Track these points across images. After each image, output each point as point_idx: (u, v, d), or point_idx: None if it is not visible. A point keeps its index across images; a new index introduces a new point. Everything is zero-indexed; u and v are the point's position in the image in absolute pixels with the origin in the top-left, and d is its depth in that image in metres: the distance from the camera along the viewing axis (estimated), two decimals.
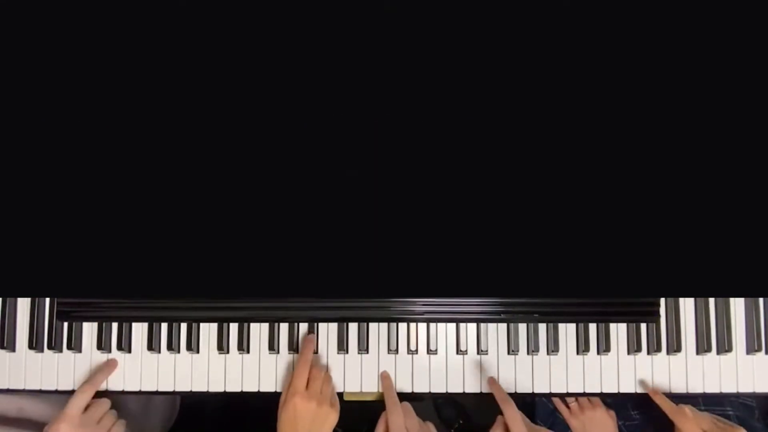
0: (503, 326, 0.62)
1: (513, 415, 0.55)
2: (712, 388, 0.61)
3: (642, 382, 0.61)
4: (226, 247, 0.44)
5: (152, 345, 0.63)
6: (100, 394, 0.61)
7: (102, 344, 0.63)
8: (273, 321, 0.62)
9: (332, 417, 0.57)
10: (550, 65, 0.43)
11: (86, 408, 0.57)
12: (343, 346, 0.62)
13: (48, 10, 0.42)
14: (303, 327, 0.63)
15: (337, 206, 0.44)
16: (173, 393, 0.63)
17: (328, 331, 0.63)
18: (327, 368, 0.62)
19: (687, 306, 0.62)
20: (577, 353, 0.62)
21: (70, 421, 0.55)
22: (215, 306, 0.62)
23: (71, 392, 0.62)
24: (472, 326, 0.62)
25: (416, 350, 0.62)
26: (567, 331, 0.62)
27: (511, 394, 0.61)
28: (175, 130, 0.44)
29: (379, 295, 0.45)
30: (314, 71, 0.43)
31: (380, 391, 0.61)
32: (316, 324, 0.63)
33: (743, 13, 0.42)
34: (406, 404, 0.58)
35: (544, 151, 0.43)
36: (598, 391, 0.62)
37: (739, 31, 0.42)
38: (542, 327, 0.62)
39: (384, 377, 0.62)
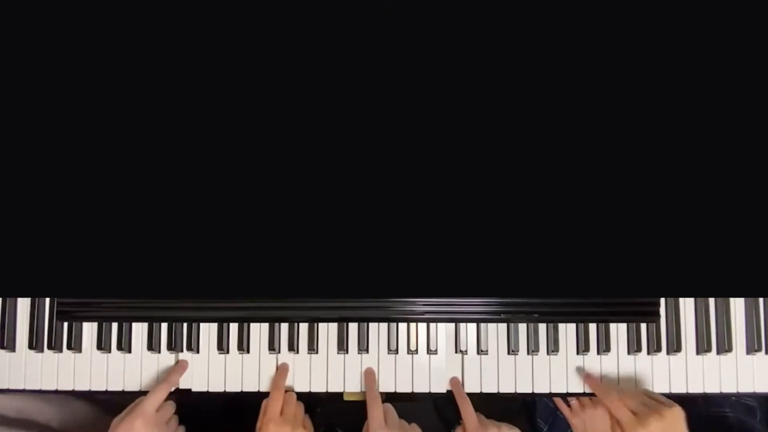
0: (503, 326, 0.62)
1: (468, 413, 0.57)
2: (712, 389, 0.61)
3: (579, 369, 0.62)
4: (225, 247, 0.44)
5: (152, 345, 0.63)
6: (92, 395, 0.61)
7: (102, 344, 0.63)
8: (273, 321, 0.62)
9: None
10: (550, 65, 0.43)
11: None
12: (343, 346, 0.62)
13: (48, 10, 0.42)
14: (303, 327, 0.63)
15: (337, 206, 0.44)
16: (173, 393, 0.63)
17: (328, 331, 0.63)
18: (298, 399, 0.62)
19: (687, 306, 0.62)
20: (577, 353, 0.62)
21: (147, 418, 0.55)
22: (215, 306, 0.61)
23: (71, 392, 0.63)
24: (472, 326, 0.62)
25: (416, 350, 0.62)
26: (567, 331, 0.62)
27: (511, 394, 0.62)
28: (175, 130, 0.44)
29: (379, 295, 0.45)
30: (315, 71, 0.43)
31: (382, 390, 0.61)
32: (316, 324, 0.62)
33: (743, 13, 0.42)
34: (388, 405, 0.59)
35: (544, 151, 0.43)
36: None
37: (739, 31, 0.42)
38: (542, 327, 0.62)
39: (367, 373, 0.62)
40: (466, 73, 0.43)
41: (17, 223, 0.43)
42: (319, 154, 0.44)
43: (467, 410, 0.57)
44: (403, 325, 0.62)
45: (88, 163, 0.43)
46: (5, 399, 0.61)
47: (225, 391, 0.63)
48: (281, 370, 0.62)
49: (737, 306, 0.62)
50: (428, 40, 0.43)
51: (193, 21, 0.43)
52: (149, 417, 0.55)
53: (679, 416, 0.54)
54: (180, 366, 0.62)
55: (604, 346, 0.61)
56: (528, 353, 0.62)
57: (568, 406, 0.67)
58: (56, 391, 0.63)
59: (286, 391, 0.60)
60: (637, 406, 0.55)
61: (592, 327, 0.62)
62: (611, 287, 0.44)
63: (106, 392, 0.62)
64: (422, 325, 0.62)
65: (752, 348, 0.61)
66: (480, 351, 0.62)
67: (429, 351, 0.62)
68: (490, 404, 0.61)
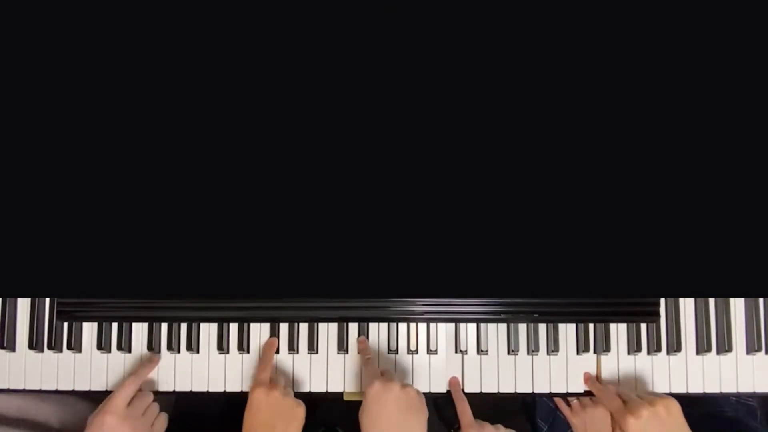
0: (503, 326, 0.62)
1: (464, 410, 0.58)
2: (712, 389, 0.61)
3: (586, 375, 0.62)
4: (226, 247, 0.44)
5: (152, 345, 0.63)
6: (92, 395, 0.61)
7: (102, 344, 0.63)
8: (273, 321, 0.62)
9: (299, 412, 0.56)
10: (550, 65, 0.43)
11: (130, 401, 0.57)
12: (343, 346, 0.62)
13: (48, 10, 0.42)
14: (303, 327, 0.63)
15: (337, 206, 0.44)
16: (173, 393, 0.63)
17: (328, 331, 0.63)
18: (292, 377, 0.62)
19: (687, 306, 0.62)
20: (577, 353, 0.62)
21: (116, 413, 0.54)
22: (215, 306, 0.62)
23: (71, 392, 0.63)
24: (472, 326, 0.62)
25: (416, 350, 0.62)
26: (567, 331, 0.62)
27: (511, 394, 0.62)
28: (175, 130, 0.44)
29: (379, 295, 0.45)
30: (315, 71, 0.43)
31: None
32: (316, 324, 0.63)
33: (743, 13, 0.42)
34: (388, 369, 0.59)
35: (545, 151, 0.43)
36: None
37: (739, 31, 0.42)
38: (542, 327, 0.62)
39: (360, 340, 0.62)
40: (466, 73, 0.43)
41: (17, 223, 0.43)
42: (319, 154, 0.44)
43: (463, 408, 0.58)
44: (403, 325, 0.62)
45: (88, 163, 0.43)
46: (5, 399, 0.61)
47: (225, 391, 0.63)
48: (270, 344, 0.62)
49: (737, 306, 0.62)
50: (428, 40, 0.43)
51: (193, 21, 0.43)
52: (119, 412, 0.54)
53: (673, 407, 0.54)
54: (150, 360, 0.62)
55: (604, 346, 0.61)
56: (528, 353, 0.62)
57: (569, 405, 0.67)
58: (56, 391, 0.63)
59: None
60: (630, 397, 0.56)
61: (592, 327, 0.62)
62: (611, 287, 0.44)
63: (106, 392, 0.62)
64: (422, 325, 0.62)
65: (752, 348, 0.61)
66: (480, 351, 0.62)
67: (429, 351, 0.62)
68: (490, 405, 0.61)
